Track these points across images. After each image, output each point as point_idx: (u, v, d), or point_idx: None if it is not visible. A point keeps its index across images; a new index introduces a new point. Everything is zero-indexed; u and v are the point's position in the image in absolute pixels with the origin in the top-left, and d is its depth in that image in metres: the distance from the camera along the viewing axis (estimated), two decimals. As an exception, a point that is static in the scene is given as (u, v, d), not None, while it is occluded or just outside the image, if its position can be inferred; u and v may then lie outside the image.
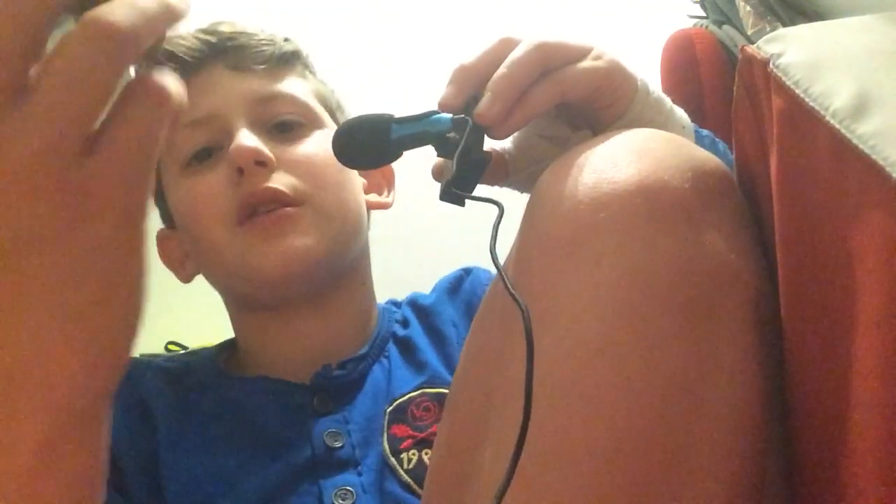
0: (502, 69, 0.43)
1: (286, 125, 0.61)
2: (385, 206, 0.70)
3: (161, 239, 0.68)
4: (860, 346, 0.29)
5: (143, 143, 0.25)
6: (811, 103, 0.30)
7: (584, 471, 0.30)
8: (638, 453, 0.30)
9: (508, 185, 0.51)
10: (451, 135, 0.43)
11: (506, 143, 0.51)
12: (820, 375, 0.31)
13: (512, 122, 0.44)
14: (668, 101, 0.49)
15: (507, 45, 0.44)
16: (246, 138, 0.57)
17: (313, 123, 0.63)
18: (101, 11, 0.25)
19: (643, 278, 0.32)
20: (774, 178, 0.33)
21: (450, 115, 0.44)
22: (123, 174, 0.25)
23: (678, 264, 0.32)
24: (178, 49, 0.62)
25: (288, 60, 0.65)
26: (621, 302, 0.32)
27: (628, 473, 0.30)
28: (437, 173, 0.46)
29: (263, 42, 0.64)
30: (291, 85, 0.64)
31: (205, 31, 0.63)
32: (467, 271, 0.71)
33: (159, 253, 0.69)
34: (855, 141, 0.28)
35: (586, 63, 0.45)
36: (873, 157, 0.27)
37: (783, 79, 0.32)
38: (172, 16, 0.27)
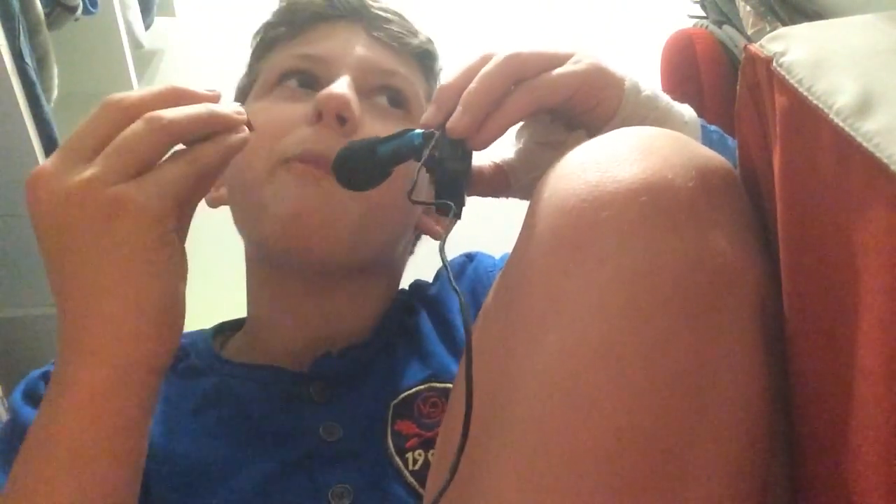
0: (473, 83, 0.45)
1: (393, 96, 0.60)
2: (432, 234, 0.66)
3: None
4: (863, 345, 0.29)
5: (161, 184, 0.40)
6: (815, 101, 0.30)
7: (587, 470, 0.30)
8: (640, 453, 0.30)
9: (513, 195, 0.52)
10: (421, 147, 0.47)
11: (507, 154, 0.53)
12: (823, 374, 0.31)
13: (487, 131, 0.46)
14: (664, 97, 0.49)
15: (486, 61, 0.46)
16: (343, 86, 0.55)
17: (413, 116, 0.61)
18: (157, 111, 0.41)
19: (646, 277, 0.32)
20: (777, 177, 0.33)
21: (422, 130, 0.47)
22: (145, 193, 0.40)
23: (682, 263, 0.32)
24: None
25: (423, 59, 0.65)
26: (624, 301, 0.32)
27: (631, 473, 0.30)
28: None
29: (410, 30, 0.64)
30: (414, 77, 0.63)
31: None
32: (470, 257, 0.69)
33: None
34: (859, 139, 0.28)
35: (562, 69, 0.46)
36: (877, 154, 0.27)
37: (786, 77, 0.32)
38: (216, 120, 0.43)
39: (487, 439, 0.34)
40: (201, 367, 0.59)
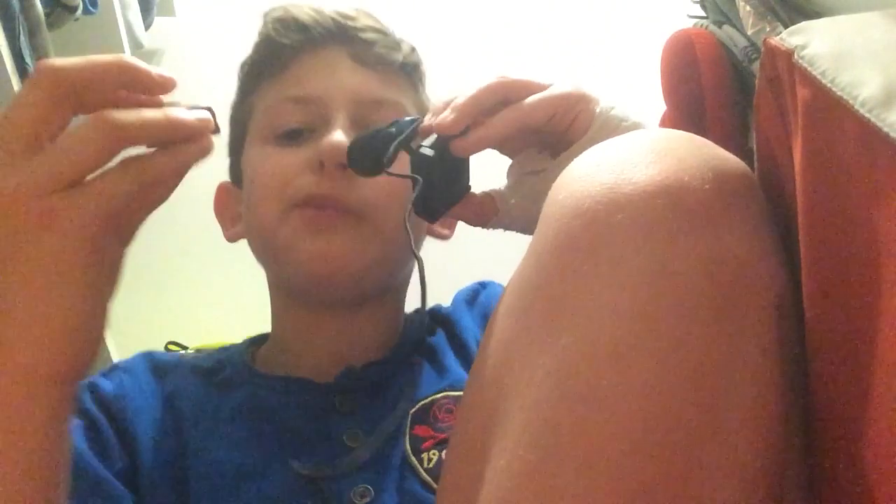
0: (465, 94, 0.50)
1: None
2: (444, 237, 0.73)
3: (222, 190, 0.71)
4: (885, 336, 0.29)
5: (100, 199, 0.37)
6: (839, 93, 0.30)
7: (599, 474, 0.30)
8: (654, 457, 0.30)
9: (500, 222, 0.56)
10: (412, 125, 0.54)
11: (498, 187, 0.58)
12: (843, 367, 0.31)
13: (473, 138, 0.50)
14: (633, 118, 0.53)
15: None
16: (340, 136, 0.58)
17: None
18: (108, 112, 0.37)
19: (661, 280, 0.32)
20: (799, 168, 0.33)
21: (410, 117, 0.55)
22: (81, 208, 0.37)
23: (697, 266, 0.32)
24: (309, 20, 0.64)
25: (409, 71, 0.68)
26: (638, 304, 0.32)
27: (644, 477, 0.30)
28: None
29: (392, 45, 0.66)
30: (402, 95, 0.66)
31: (341, 14, 0.65)
32: (483, 285, 0.74)
33: (215, 202, 0.72)
34: (885, 129, 0.28)
35: (543, 93, 0.50)
36: (904, 144, 0.27)
37: (809, 69, 0.32)
38: (174, 130, 0.40)
39: (499, 440, 0.34)
40: (235, 379, 0.63)
